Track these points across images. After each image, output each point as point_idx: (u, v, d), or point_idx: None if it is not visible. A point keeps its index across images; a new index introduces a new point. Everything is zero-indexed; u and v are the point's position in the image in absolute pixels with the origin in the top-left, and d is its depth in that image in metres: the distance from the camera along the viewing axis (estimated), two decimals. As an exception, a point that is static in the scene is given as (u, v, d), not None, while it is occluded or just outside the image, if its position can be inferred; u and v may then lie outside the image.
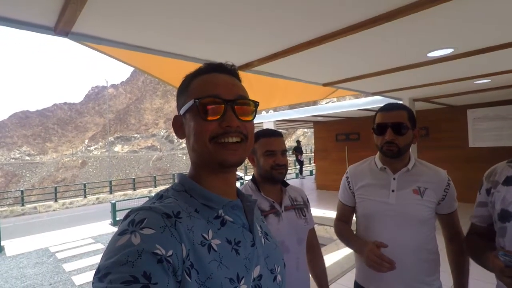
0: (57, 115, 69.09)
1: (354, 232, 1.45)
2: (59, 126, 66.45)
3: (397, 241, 1.26)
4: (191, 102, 0.63)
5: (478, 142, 6.70)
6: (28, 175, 50.92)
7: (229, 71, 0.69)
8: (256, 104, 0.68)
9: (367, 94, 4.62)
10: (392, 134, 1.28)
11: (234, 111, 0.63)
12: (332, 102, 9.07)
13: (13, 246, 7.67)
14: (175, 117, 0.70)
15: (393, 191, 1.32)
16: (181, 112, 0.67)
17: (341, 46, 2.13)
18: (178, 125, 0.69)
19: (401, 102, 5.14)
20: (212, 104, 0.62)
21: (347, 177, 1.48)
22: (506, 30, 2.01)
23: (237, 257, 0.58)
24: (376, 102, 5.85)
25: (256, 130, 0.91)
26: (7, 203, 18.88)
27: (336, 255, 4.34)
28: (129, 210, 0.57)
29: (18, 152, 56.93)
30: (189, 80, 0.68)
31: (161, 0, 1.40)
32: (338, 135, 9.34)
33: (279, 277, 0.68)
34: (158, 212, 0.53)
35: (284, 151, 1.33)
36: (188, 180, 0.65)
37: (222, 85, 0.65)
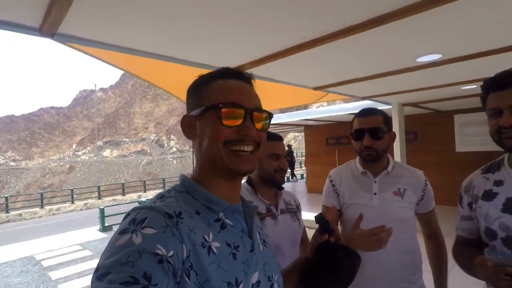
0: (44, 119, 67.67)
1: None
2: (46, 131, 65.04)
3: None
4: (211, 105, 0.63)
5: (464, 146, 6.84)
6: (13, 181, 49.55)
7: (247, 79, 0.69)
8: (271, 115, 0.69)
9: (357, 99, 4.67)
10: (369, 140, 1.31)
11: (252, 120, 0.63)
12: (322, 107, 9.14)
13: (-4, 255, 7.41)
14: (185, 117, 0.68)
15: (375, 194, 1.35)
16: (195, 113, 0.65)
17: (332, 50, 2.14)
18: (187, 125, 0.67)
19: (390, 106, 5.25)
20: (233, 110, 0.62)
21: (331, 180, 1.50)
22: (494, 37, 2.05)
23: (234, 261, 0.58)
24: (366, 106, 5.93)
25: None
26: (-10, 210, 18.25)
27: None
28: (130, 209, 0.57)
29: (3, 157, 55.34)
30: (206, 81, 0.67)
31: (149, 1, 1.38)
32: (328, 139, 9.43)
33: (275, 285, 0.67)
34: (159, 211, 0.53)
35: (285, 156, 1.35)
36: (190, 181, 0.64)
37: (244, 93, 0.65)
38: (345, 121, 8.36)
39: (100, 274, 0.45)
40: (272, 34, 1.85)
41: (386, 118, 1.37)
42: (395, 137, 1.40)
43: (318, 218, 0.85)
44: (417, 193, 1.35)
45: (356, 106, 6.43)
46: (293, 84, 3.24)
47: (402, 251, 1.30)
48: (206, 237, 0.56)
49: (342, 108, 6.86)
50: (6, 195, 15.15)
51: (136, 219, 0.51)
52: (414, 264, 1.34)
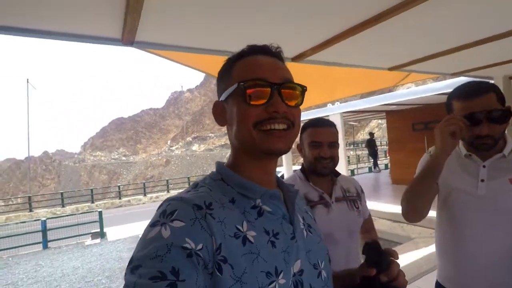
0: (145, 119, 78.54)
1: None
2: (147, 129, 75.48)
3: (487, 240, 1.07)
4: (234, 86, 0.59)
5: None
6: (124, 173, 59.11)
7: (274, 54, 0.65)
8: (303, 88, 0.63)
9: (447, 76, 4.04)
10: (487, 127, 1.05)
11: (281, 95, 0.58)
12: (409, 88, 8.21)
13: (112, 233, 9.07)
14: (216, 103, 0.66)
15: (482, 180, 1.11)
16: (223, 97, 0.63)
17: (407, 19, 1.90)
18: (219, 111, 0.65)
19: (492, 81, 4.38)
20: (257, 87, 0.58)
21: (431, 155, 1.30)
22: None
23: (273, 249, 0.55)
24: (460, 83, 5.09)
25: None
26: (110, 196, 22.25)
27: (414, 255, 3.95)
28: (163, 200, 0.58)
29: (117, 153, 66.63)
30: (231, 63, 0.65)
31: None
32: (415, 124, 8.45)
33: (324, 273, 0.63)
34: (189, 203, 0.52)
35: (332, 143, 1.26)
36: (225, 168, 0.63)
37: (268, 67, 0.61)
38: (435, 103, 7.33)
39: (132, 267, 0.47)
40: (333, 14, 1.74)
41: (500, 94, 1.09)
42: (511, 115, 1.08)
43: (367, 249, 0.65)
44: None
45: (447, 85, 5.57)
46: (363, 66, 2.98)
47: None
48: (240, 227, 0.54)
49: (429, 89, 6.00)
50: (118, 185, 18.29)
51: (166, 211, 0.52)
52: None
